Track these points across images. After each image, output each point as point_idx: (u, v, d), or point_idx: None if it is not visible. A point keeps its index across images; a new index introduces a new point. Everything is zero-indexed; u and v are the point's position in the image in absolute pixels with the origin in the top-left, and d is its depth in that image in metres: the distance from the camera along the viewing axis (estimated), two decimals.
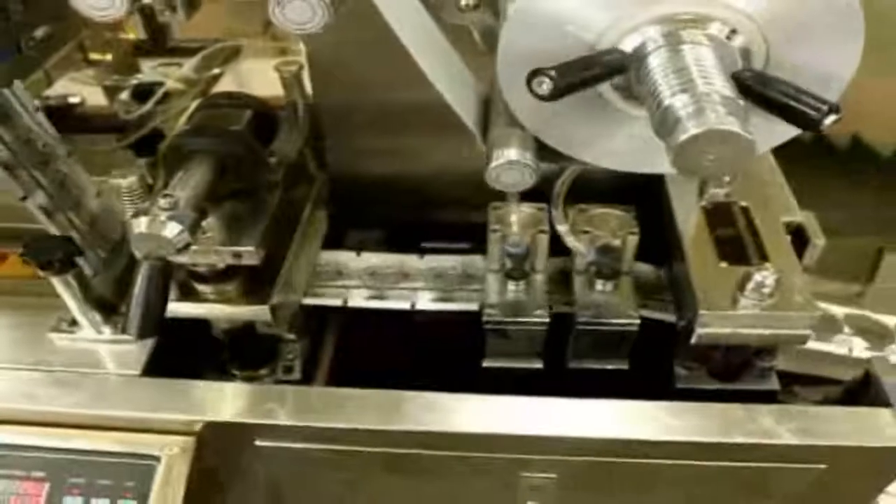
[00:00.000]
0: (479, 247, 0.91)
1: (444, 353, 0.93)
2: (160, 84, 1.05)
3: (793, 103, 0.58)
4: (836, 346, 0.97)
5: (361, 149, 0.94)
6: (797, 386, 0.99)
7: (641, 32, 0.61)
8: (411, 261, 0.95)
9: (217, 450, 0.82)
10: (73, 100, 1.23)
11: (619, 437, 0.78)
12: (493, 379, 0.89)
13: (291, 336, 0.88)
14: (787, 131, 0.67)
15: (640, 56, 0.61)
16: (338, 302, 0.91)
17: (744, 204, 0.89)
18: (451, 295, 0.91)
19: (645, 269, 0.93)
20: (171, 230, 0.65)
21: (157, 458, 0.80)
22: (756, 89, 0.60)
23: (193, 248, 0.72)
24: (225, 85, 1.14)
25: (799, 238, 0.99)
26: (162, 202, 0.65)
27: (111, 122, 1.10)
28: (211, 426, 0.80)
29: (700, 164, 0.55)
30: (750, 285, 0.77)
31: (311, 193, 0.91)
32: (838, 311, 1.01)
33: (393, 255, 0.94)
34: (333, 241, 0.99)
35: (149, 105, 0.99)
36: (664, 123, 0.56)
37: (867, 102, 2.41)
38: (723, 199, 0.90)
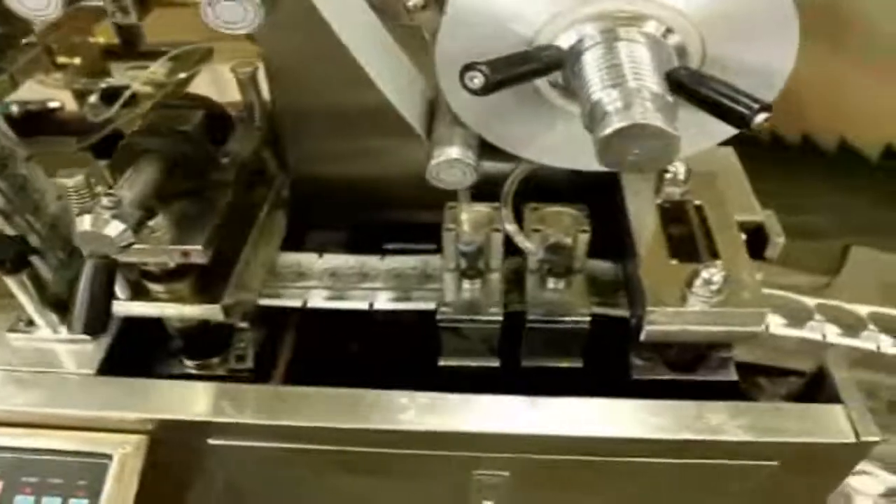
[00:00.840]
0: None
1: (405, 351, 0.93)
2: (128, 87, 1.05)
3: (724, 101, 0.59)
4: (808, 332, 0.97)
5: (321, 151, 0.95)
6: (762, 378, 0.99)
7: (578, 29, 0.62)
8: (372, 261, 0.95)
9: (171, 448, 0.82)
10: (53, 104, 1.24)
11: (568, 434, 0.79)
12: (455, 378, 0.90)
13: (244, 325, 0.88)
14: (725, 130, 0.68)
15: (576, 52, 0.61)
16: (297, 303, 0.91)
17: (698, 203, 0.90)
18: (409, 294, 0.91)
19: (604, 266, 0.93)
20: (114, 229, 0.65)
21: (110, 457, 0.80)
22: (689, 87, 0.60)
23: (142, 246, 0.74)
24: (200, 87, 1.14)
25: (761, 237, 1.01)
26: (105, 201, 0.65)
27: (89, 126, 1.11)
28: (163, 424, 0.81)
29: (625, 158, 0.55)
30: (697, 282, 0.77)
31: (270, 194, 0.91)
32: (810, 301, 1.02)
33: (354, 257, 0.95)
34: (296, 243, 1.00)
35: (114, 108, 1.00)
36: (593, 117, 0.56)
37: (854, 105, 2.42)
38: (679, 197, 0.90)
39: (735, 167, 1.06)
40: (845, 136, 2.43)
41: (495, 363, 0.88)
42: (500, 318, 0.84)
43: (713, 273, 0.77)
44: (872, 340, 1.00)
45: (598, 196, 0.92)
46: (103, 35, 1.15)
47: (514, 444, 0.80)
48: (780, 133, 2.55)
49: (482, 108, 0.67)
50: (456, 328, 0.84)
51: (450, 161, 0.66)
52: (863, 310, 1.04)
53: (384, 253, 0.96)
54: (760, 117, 0.58)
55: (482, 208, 0.83)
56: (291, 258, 0.95)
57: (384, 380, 0.83)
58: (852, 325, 1.01)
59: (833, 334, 0.99)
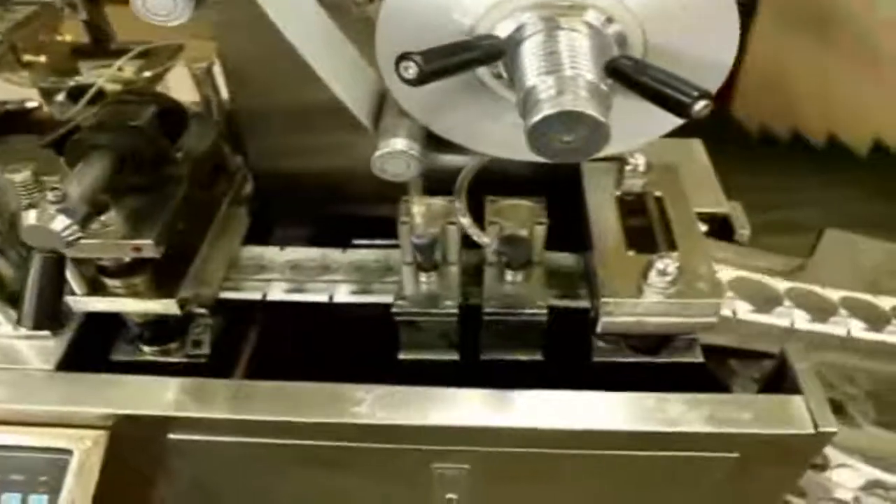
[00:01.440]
0: None
1: (369, 345, 0.93)
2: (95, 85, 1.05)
3: (664, 89, 0.58)
4: (776, 319, 0.97)
5: (283, 146, 0.95)
6: (734, 360, 0.98)
7: (517, 18, 0.61)
8: (334, 254, 0.95)
9: (131, 444, 0.82)
10: (31, 104, 1.25)
11: (524, 426, 0.78)
12: (417, 371, 0.90)
13: (202, 310, 0.88)
14: (673, 120, 0.68)
15: (514, 41, 0.61)
16: (257, 296, 0.91)
17: (658, 194, 0.89)
18: (369, 287, 0.91)
19: (568, 258, 0.93)
20: (59, 223, 0.65)
21: (70, 452, 0.80)
22: (629, 75, 0.60)
23: (93, 241, 0.74)
24: (173, 83, 1.14)
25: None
26: (50, 196, 0.65)
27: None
28: (123, 419, 0.81)
29: (555, 146, 0.55)
30: (652, 273, 0.77)
31: (230, 189, 0.91)
32: (780, 285, 1.01)
33: (315, 249, 0.95)
34: (263, 237, 1.00)
35: (79, 106, 1.00)
36: (526, 105, 0.56)
37: (843, 101, 2.43)
38: (639, 189, 0.90)
39: (702, 160, 1.06)
40: (834, 131, 2.44)
41: (455, 357, 0.88)
42: (455, 311, 0.84)
43: (667, 264, 0.77)
44: (843, 325, 0.99)
45: (564, 188, 0.92)
46: (72, 33, 1.15)
47: (471, 436, 0.80)
48: (771, 129, 2.56)
49: (427, 100, 0.67)
50: (412, 321, 0.84)
51: (394, 153, 0.66)
52: (834, 294, 1.03)
53: (345, 246, 0.96)
54: (700, 105, 0.58)
55: (438, 201, 0.84)
56: (254, 251, 0.95)
57: (347, 373, 0.83)
58: (823, 310, 1.00)
59: (802, 320, 0.98)
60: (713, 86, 0.65)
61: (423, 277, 0.86)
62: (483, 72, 0.65)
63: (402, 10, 0.62)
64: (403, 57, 0.57)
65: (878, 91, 2.26)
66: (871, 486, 1.16)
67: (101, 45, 1.17)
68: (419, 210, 0.80)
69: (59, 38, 1.12)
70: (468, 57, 0.60)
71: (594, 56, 0.59)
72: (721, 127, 2.63)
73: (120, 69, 1.08)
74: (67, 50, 1.14)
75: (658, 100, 0.59)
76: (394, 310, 0.84)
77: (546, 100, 0.55)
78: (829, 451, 1.07)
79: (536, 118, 0.54)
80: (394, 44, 0.62)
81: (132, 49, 1.13)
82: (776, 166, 2.48)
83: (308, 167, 0.97)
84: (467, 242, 0.87)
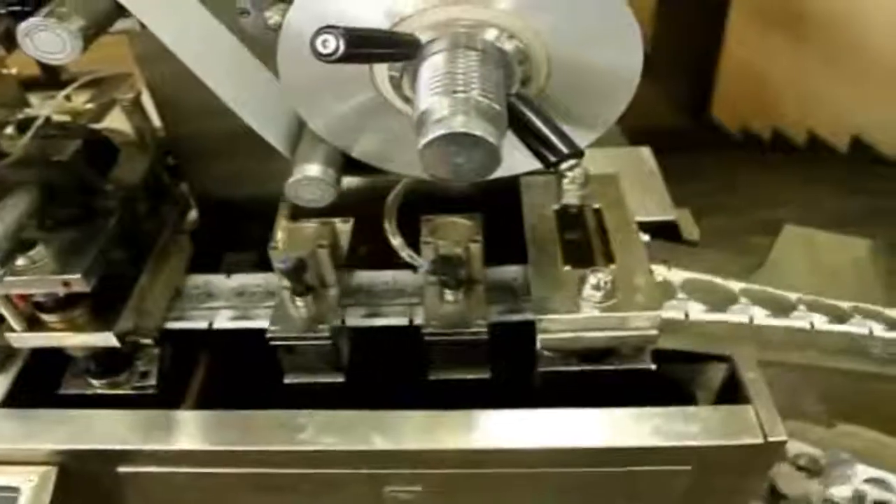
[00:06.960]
0: None
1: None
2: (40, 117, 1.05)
3: (535, 144, 0.60)
4: (734, 315, 0.94)
5: (224, 172, 0.95)
6: (689, 365, 0.96)
7: (419, 36, 0.61)
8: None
9: (81, 479, 0.82)
10: None
11: (468, 447, 0.78)
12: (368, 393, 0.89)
13: (148, 341, 0.87)
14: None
15: (419, 56, 0.60)
16: (203, 324, 0.91)
17: (597, 206, 0.88)
18: None
19: (512, 271, 0.91)
20: None
21: (18, 490, 0.80)
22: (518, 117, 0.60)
23: (19, 278, 0.74)
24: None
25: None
26: None
27: None
28: (71, 455, 0.81)
29: (447, 167, 0.55)
30: (586, 287, 0.76)
31: (170, 218, 0.91)
32: (734, 284, 0.99)
33: (260, 275, 0.94)
34: (210, 265, 0.99)
35: (26, 138, 0.99)
36: (419, 125, 0.56)
37: (822, 99, 2.42)
38: (578, 202, 0.88)
39: (650, 167, 1.05)
40: (814, 129, 2.43)
41: (339, 378, 0.87)
42: (328, 334, 0.83)
43: (600, 277, 0.76)
44: (805, 319, 0.97)
45: (505, 203, 0.91)
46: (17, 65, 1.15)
47: (417, 459, 0.79)
48: (751, 129, 2.56)
49: (339, 124, 0.67)
50: (290, 346, 0.84)
51: (305, 179, 0.66)
52: (791, 296, 1.01)
53: None
54: (565, 165, 0.59)
55: (310, 224, 0.85)
56: (200, 279, 0.94)
57: (293, 399, 0.83)
58: (781, 307, 0.97)
59: (761, 316, 0.95)
60: (624, 97, 0.65)
61: (299, 301, 0.85)
62: (392, 95, 0.65)
63: (303, 33, 0.61)
64: (323, 30, 0.53)
65: (857, 88, 2.25)
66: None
67: (52, 77, 1.17)
68: (283, 234, 0.79)
69: (4, 70, 1.12)
70: (384, 49, 0.58)
71: (494, 76, 0.58)
72: (701, 129, 2.63)
73: (68, 99, 1.08)
74: (15, 82, 1.14)
75: (528, 147, 0.60)
76: (267, 335, 0.83)
77: (438, 120, 0.54)
78: None
79: (428, 138, 0.53)
80: (296, 75, 0.61)
81: (86, 80, 1.13)
82: (757, 166, 2.48)
83: (251, 192, 0.96)
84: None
